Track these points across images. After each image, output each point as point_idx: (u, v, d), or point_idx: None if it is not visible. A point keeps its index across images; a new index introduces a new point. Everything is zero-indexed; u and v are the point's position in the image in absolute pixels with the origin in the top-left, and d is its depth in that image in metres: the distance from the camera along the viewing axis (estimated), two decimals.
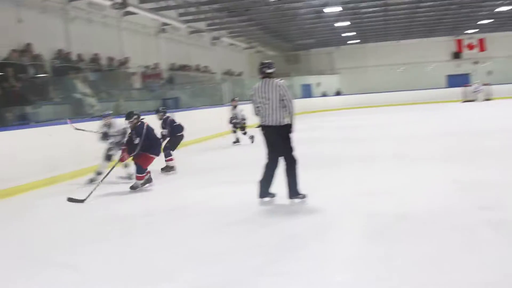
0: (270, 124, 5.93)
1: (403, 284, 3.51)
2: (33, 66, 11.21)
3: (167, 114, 9.54)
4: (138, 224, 5.70)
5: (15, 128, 8.72)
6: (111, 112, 8.90)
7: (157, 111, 9.55)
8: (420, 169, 7.93)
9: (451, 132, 13.80)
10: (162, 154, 8.46)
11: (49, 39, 12.70)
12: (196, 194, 7.17)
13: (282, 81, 6.04)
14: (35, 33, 12.07)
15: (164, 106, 10.79)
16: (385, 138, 13.54)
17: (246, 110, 13.62)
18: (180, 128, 9.51)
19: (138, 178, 7.43)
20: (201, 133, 14.63)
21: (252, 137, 12.77)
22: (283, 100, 5.85)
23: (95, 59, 14.11)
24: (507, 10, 22.60)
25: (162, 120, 9.35)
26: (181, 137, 9.55)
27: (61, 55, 12.81)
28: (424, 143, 11.69)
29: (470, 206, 5.45)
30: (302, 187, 6.00)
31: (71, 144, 8.78)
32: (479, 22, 27.10)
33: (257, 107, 6.04)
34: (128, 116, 7.57)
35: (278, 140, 5.95)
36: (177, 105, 15.55)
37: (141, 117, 7.68)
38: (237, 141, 13.48)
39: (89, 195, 6.83)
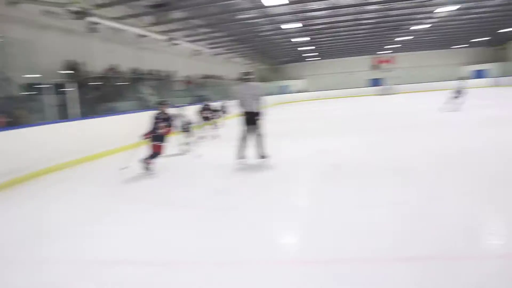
0: (249, 110, 5.62)
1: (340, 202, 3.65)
2: (118, 78, 11.42)
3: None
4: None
5: (104, 116, 8.56)
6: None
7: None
8: (347, 138, 7.84)
9: (369, 113, 13.62)
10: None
11: (128, 61, 12.89)
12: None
13: (258, 83, 5.65)
14: (120, 58, 12.29)
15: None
16: (331, 116, 13.43)
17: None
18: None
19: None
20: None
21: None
22: (256, 95, 5.60)
23: (155, 73, 14.28)
24: (405, 39, 23.28)
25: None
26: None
27: (135, 71, 13.04)
28: (352, 121, 11.47)
29: (376, 158, 5.66)
30: (269, 150, 5.80)
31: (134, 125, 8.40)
32: (386, 47, 27.40)
33: (241, 100, 5.69)
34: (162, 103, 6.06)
35: (253, 121, 5.63)
36: (203, 100, 15.35)
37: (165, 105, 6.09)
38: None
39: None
